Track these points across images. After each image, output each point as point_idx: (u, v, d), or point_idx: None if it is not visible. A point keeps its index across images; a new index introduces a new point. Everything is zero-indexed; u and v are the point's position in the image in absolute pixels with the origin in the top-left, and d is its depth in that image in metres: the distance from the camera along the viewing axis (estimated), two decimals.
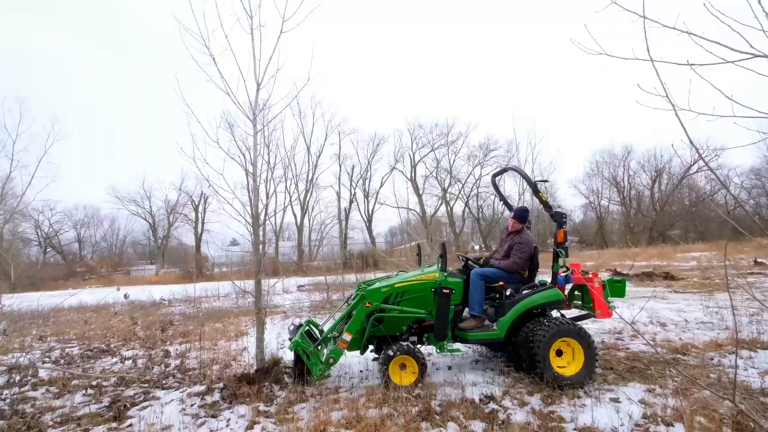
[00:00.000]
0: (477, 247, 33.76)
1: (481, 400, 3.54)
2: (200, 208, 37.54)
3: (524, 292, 4.16)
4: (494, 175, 5.39)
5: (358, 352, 4.31)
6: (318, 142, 36.35)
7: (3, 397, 3.91)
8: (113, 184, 47.97)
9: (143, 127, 60.68)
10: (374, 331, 4.14)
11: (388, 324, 4.17)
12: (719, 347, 4.78)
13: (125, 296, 13.77)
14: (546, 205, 4.44)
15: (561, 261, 4.32)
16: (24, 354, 5.10)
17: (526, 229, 4.49)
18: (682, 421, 2.96)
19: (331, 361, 3.89)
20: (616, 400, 3.43)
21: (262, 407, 3.55)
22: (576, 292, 4.54)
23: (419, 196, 36.09)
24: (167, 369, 4.94)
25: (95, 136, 59.10)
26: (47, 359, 5.70)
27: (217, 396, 3.88)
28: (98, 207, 42.16)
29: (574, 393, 3.60)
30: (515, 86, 62.21)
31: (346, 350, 4.04)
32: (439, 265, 4.23)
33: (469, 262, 4.71)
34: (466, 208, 38.05)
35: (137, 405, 3.84)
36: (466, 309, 4.32)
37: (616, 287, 4.32)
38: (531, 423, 3.11)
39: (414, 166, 36.70)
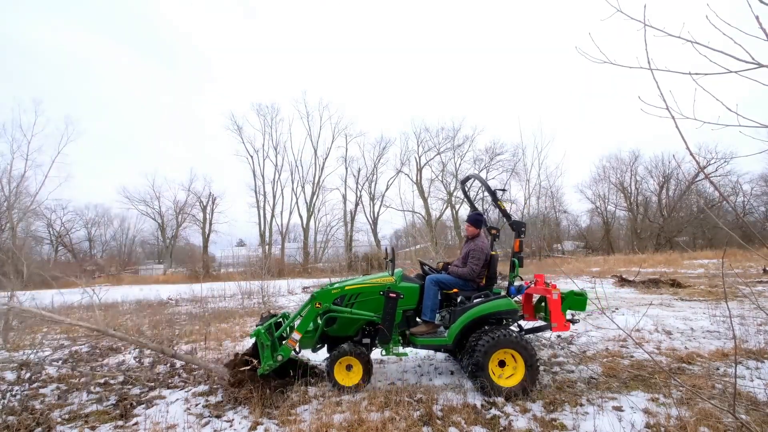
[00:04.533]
0: None
1: (482, 405, 3.55)
2: (208, 209, 37.90)
3: (475, 300, 4.17)
4: (462, 182, 5.64)
5: (311, 350, 4.41)
6: (325, 145, 36.63)
7: (13, 393, 3.99)
8: (124, 184, 48.72)
9: (153, 128, 61.46)
10: (328, 331, 4.24)
11: (341, 325, 4.25)
12: (725, 357, 4.73)
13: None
14: (505, 214, 4.53)
15: (515, 270, 4.38)
16: (34, 351, 5.18)
17: (482, 235, 4.56)
18: (686, 431, 2.95)
19: (279, 358, 3.93)
20: (619, 409, 3.42)
21: (265, 409, 3.59)
22: (542, 304, 4.54)
23: (425, 199, 36.09)
24: (173, 368, 5.00)
25: (107, 137, 60.01)
26: (57, 356, 5.79)
27: (220, 396, 3.93)
28: (109, 207, 42.88)
29: (577, 400, 3.60)
30: (522, 90, 62.15)
31: (298, 347, 4.11)
32: (389, 269, 4.29)
33: (426, 268, 4.73)
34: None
35: (143, 404, 3.90)
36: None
37: (576, 300, 4.26)
38: (532, 430, 3.11)
39: (420, 170, 36.74)
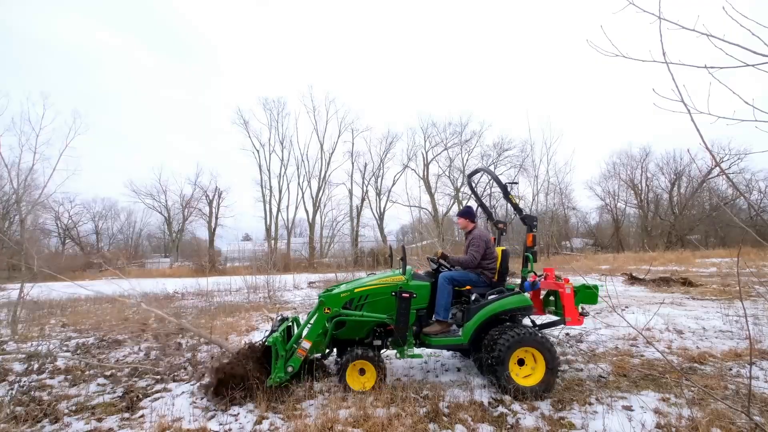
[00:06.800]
0: None
1: (489, 403, 3.50)
2: (214, 203, 38.16)
3: (490, 297, 4.05)
4: (469, 176, 5.51)
5: (321, 355, 4.31)
6: (331, 140, 36.58)
7: (21, 384, 4.03)
8: (130, 177, 49.14)
9: (160, 122, 61.80)
10: (337, 335, 4.09)
11: (351, 328, 4.10)
12: (738, 357, 4.63)
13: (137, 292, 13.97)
14: (516, 208, 4.45)
15: (529, 266, 4.28)
16: (43, 342, 5.24)
17: (479, 226, 4.54)
18: None
19: (289, 369, 3.78)
20: (628, 408, 3.36)
21: (270, 403, 3.57)
22: (551, 298, 4.45)
23: (431, 194, 35.96)
24: (179, 362, 5.02)
25: (114, 130, 60.35)
26: (65, 348, 5.86)
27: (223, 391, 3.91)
28: (116, 200, 43.13)
29: (586, 399, 3.54)
30: (531, 85, 61.44)
31: (307, 355, 3.93)
32: (400, 268, 4.15)
33: (438, 262, 4.52)
34: (479, 209, 37.72)
35: (149, 396, 3.92)
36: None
37: (588, 294, 4.16)
38: (540, 428, 3.06)
39: (427, 165, 36.54)
